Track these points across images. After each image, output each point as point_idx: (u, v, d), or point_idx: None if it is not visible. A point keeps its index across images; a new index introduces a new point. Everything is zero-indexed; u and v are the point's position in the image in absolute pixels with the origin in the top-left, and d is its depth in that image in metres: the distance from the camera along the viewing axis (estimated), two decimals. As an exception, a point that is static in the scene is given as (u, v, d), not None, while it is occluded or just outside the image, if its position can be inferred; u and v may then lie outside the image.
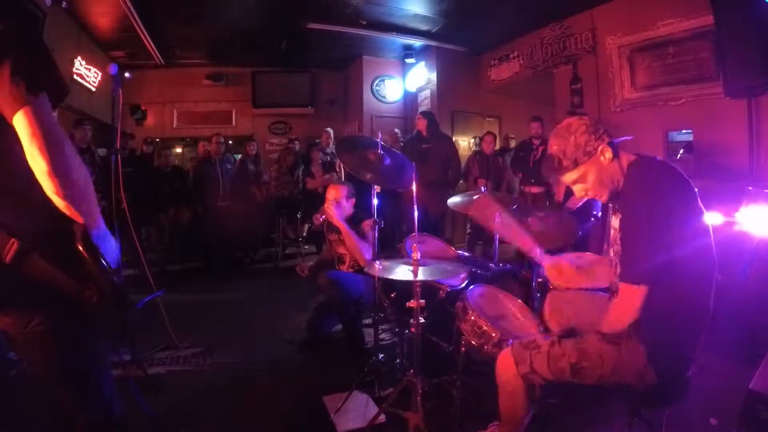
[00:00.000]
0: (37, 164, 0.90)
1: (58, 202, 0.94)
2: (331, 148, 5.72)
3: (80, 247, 0.99)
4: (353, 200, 2.79)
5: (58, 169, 0.91)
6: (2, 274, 0.92)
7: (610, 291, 1.47)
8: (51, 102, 0.95)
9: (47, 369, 1.07)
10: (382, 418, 1.89)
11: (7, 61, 0.87)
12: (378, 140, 2.10)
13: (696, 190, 1.27)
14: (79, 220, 0.98)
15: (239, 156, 6.12)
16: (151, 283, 2.63)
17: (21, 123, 0.88)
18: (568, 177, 1.36)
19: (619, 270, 1.32)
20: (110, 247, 1.07)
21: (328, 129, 6.04)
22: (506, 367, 1.39)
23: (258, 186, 5.71)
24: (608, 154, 1.30)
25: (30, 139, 0.89)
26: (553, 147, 1.37)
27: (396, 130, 5.86)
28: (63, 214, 0.96)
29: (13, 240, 0.92)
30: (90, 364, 1.12)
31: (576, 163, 1.32)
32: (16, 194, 0.95)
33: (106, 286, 1.01)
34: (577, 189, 1.40)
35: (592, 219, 3.52)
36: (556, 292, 1.84)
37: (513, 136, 6.43)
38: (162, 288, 2.63)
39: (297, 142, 6.10)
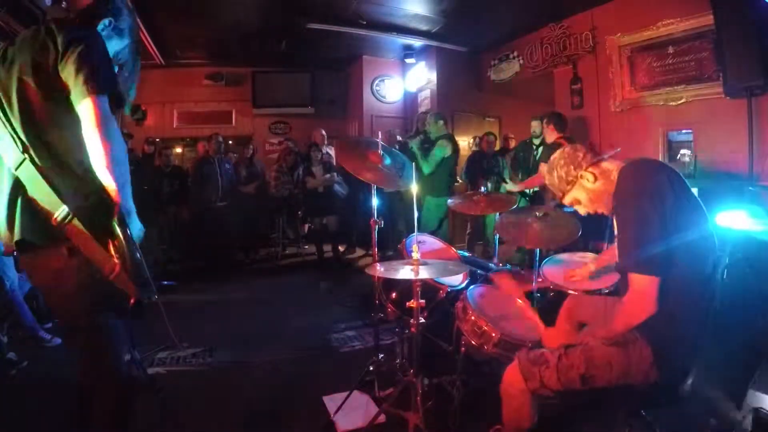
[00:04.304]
0: (93, 143, 1.12)
1: (106, 175, 1.14)
2: (326, 147, 5.71)
3: (115, 223, 1.16)
4: None
5: (108, 149, 1.13)
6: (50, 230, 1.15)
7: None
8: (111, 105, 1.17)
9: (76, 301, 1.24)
10: (382, 418, 1.89)
11: (83, 71, 1.12)
12: (378, 140, 2.10)
13: (690, 186, 1.29)
14: (115, 194, 1.16)
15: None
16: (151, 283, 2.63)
17: (85, 109, 1.12)
18: (566, 201, 1.50)
19: (622, 263, 1.32)
20: (134, 223, 1.25)
21: (321, 130, 6.03)
22: (514, 382, 1.40)
23: (256, 186, 5.70)
24: (589, 179, 1.41)
25: (90, 122, 1.12)
26: (546, 182, 1.55)
27: (395, 129, 5.84)
28: (105, 194, 1.15)
29: (64, 206, 1.13)
30: (111, 315, 1.30)
31: (564, 193, 1.47)
32: (73, 172, 1.17)
33: (129, 261, 1.17)
34: (579, 209, 1.51)
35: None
36: (575, 295, 1.86)
37: (513, 136, 6.41)
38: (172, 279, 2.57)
39: (288, 142, 6.08)
